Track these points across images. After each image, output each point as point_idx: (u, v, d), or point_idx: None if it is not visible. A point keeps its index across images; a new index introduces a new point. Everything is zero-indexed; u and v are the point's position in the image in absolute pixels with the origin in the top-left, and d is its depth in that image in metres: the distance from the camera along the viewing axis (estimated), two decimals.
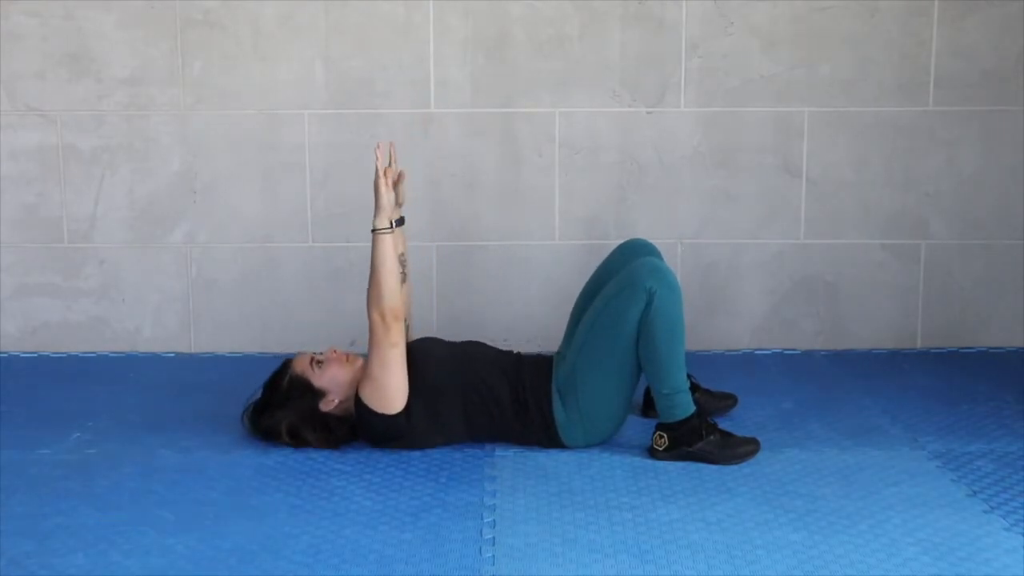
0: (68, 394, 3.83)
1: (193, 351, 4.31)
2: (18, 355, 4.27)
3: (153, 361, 4.23)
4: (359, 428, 3.24)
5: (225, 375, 4.03)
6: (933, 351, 4.27)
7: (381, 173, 3.19)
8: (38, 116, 4.19)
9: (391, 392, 3.15)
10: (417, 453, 3.24)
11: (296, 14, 4.14)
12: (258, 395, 3.30)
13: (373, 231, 3.16)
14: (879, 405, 3.65)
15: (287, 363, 3.31)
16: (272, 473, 3.12)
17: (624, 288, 3.17)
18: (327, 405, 3.24)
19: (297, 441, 3.25)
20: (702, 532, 2.73)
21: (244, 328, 4.29)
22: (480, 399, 3.24)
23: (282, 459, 3.21)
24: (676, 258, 4.18)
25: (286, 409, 3.24)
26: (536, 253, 4.26)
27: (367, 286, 3.15)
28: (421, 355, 3.24)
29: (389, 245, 3.15)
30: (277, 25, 4.14)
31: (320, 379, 3.23)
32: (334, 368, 3.25)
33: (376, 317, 3.12)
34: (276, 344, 4.24)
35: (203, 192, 4.23)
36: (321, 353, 3.29)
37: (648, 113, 4.19)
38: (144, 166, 4.22)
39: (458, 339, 3.48)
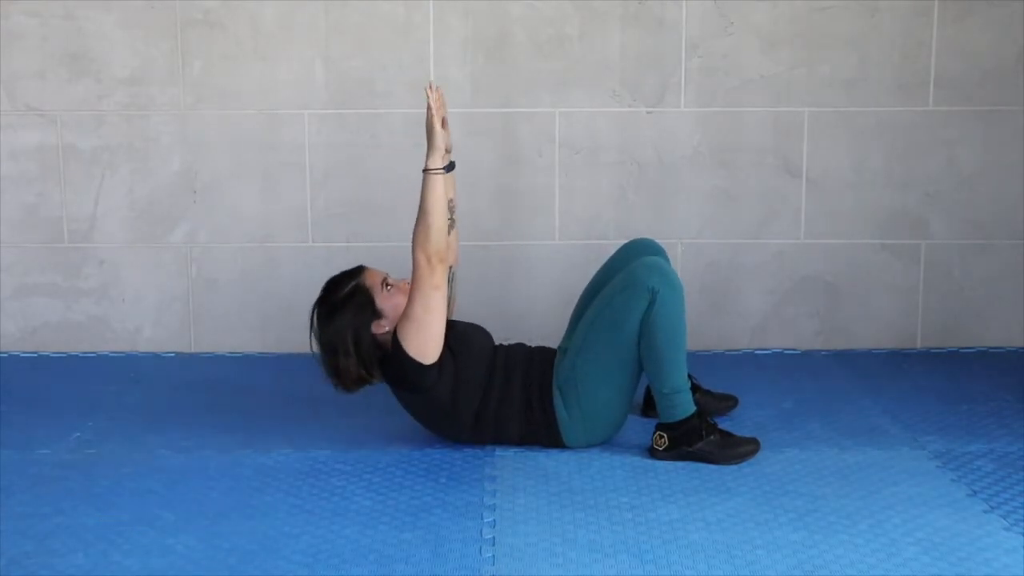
0: (68, 394, 3.83)
1: (193, 351, 4.31)
2: (18, 355, 4.27)
3: (153, 361, 4.23)
4: (386, 365, 3.18)
5: (225, 375, 4.04)
6: (933, 351, 4.27)
7: (435, 112, 3.12)
8: (38, 116, 4.19)
9: (429, 334, 3.09)
10: (417, 453, 3.24)
11: (296, 14, 4.14)
12: (320, 294, 3.23)
13: (425, 171, 3.09)
14: (879, 405, 3.65)
15: (359, 270, 3.25)
16: (272, 473, 3.12)
17: (626, 287, 3.17)
18: (378, 328, 3.17)
19: (356, 354, 3.13)
20: (702, 532, 2.72)
21: (244, 328, 4.29)
22: (495, 403, 3.23)
23: (282, 459, 3.21)
24: (676, 258, 4.18)
25: (344, 315, 3.15)
26: (536, 253, 4.26)
27: (414, 227, 3.09)
28: (467, 341, 3.22)
29: (440, 186, 3.08)
30: (277, 25, 4.14)
31: (385, 301, 3.17)
32: (400, 298, 3.17)
33: (422, 258, 3.06)
34: (276, 344, 4.25)
35: (203, 192, 4.23)
36: (395, 279, 3.23)
37: (648, 113, 4.19)
38: (144, 166, 4.22)
39: None
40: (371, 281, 3.20)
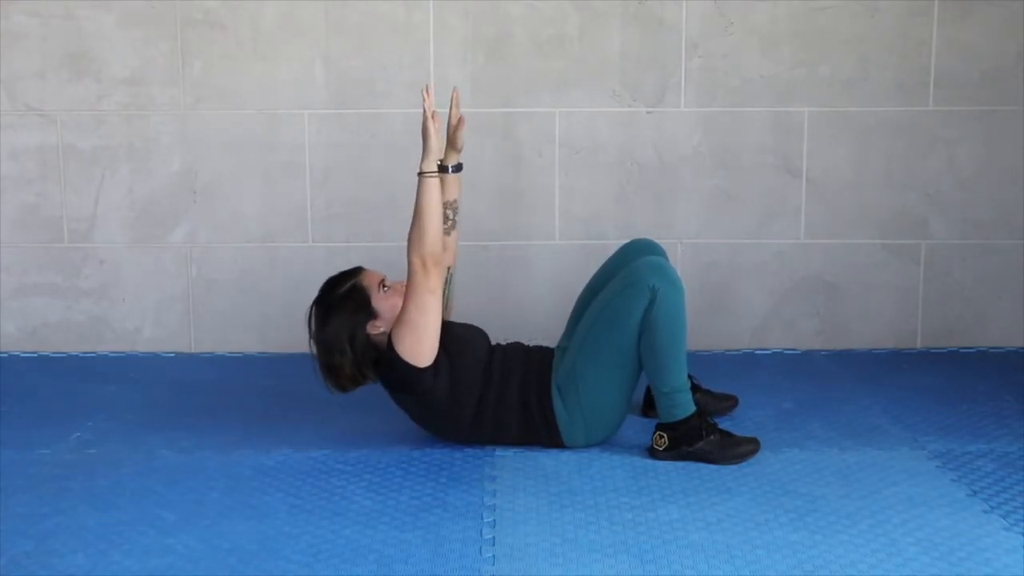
0: (68, 394, 3.83)
1: (193, 351, 4.31)
2: (18, 355, 4.27)
3: (153, 361, 4.23)
4: (381, 368, 3.17)
5: (225, 375, 4.04)
6: (933, 351, 4.27)
7: (429, 115, 3.11)
8: (38, 116, 4.19)
9: (424, 337, 3.08)
10: (417, 453, 3.24)
11: (296, 14, 4.14)
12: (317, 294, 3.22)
13: (419, 174, 3.08)
14: (879, 405, 3.65)
15: (357, 270, 3.25)
16: (272, 473, 3.12)
17: (627, 286, 3.17)
18: (373, 328, 3.16)
19: (352, 353, 3.12)
20: (702, 532, 2.72)
21: (244, 328, 4.29)
22: (493, 404, 3.22)
23: (282, 459, 3.21)
24: (676, 258, 4.18)
25: (340, 314, 3.15)
26: (536, 253, 4.26)
27: (409, 230, 3.08)
28: (463, 343, 3.21)
29: (435, 189, 3.07)
30: (277, 25, 4.15)
31: (381, 302, 3.17)
32: (397, 299, 3.16)
33: (416, 261, 3.05)
34: (276, 344, 4.25)
35: (203, 192, 4.23)
36: (393, 281, 3.22)
37: (648, 113, 4.19)
38: (144, 166, 4.22)
39: None
40: (368, 282, 3.20)
